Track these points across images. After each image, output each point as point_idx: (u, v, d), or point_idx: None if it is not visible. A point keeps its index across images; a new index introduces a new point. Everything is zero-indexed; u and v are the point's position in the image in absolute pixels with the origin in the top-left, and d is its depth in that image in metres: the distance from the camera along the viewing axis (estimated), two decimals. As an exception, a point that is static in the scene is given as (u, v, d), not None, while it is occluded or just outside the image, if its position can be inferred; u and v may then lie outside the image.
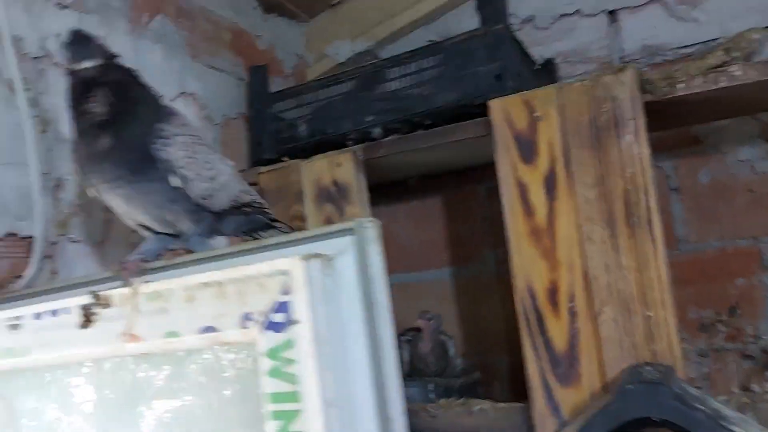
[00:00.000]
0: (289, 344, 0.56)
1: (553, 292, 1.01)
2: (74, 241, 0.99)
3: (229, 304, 0.60)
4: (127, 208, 0.80)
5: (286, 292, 0.57)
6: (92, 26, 1.07)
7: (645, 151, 0.97)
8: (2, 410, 0.83)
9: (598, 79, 1.01)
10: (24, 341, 0.76)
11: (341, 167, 1.24)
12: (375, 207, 1.25)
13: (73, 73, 0.78)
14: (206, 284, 0.62)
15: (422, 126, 1.21)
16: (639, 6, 1.40)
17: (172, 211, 0.80)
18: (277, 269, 0.57)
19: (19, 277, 0.91)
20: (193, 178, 0.79)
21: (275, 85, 1.43)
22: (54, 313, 0.73)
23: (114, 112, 0.77)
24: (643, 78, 0.99)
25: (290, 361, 0.56)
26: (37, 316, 0.74)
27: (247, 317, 0.59)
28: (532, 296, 1.03)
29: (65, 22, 1.02)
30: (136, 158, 0.77)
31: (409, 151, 1.21)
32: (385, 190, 1.49)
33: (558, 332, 1.01)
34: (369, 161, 1.24)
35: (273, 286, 0.57)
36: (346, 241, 0.60)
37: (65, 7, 1.03)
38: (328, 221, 1.25)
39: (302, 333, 0.56)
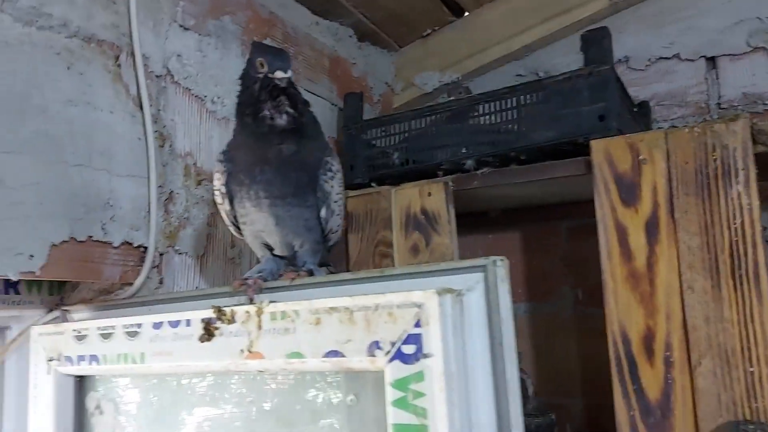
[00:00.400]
0: (419, 377, 0.57)
1: (648, 340, 0.99)
2: (180, 253, 1.03)
3: (357, 330, 0.61)
4: (272, 226, 0.82)
5: (418, 325, 0.58)
6: (210, 48, 1.11)
7: (755, 202, 0.95)
8: (110, 413, 0.86)
9: (708, 127, 0.99)
10: (140, 348, 0.79)
11: (432, 196, 1.25)
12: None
13: (265, 79, 0.81)
14: (334, 309, 0.63)
15: (516, 161, 1.21)
16: (741, 54, 1.37)
17: (305, 239, 0.83)
18: (411, 301, 0.58)
19: (128, 284, 0.95)
20: (338, 213, 0.84)
21: (365, 111, 1.46)
22: (174, 324, 0.76)
23: (294, 126, 0.81)
24: (755, 128, 0.98)
25: (419, 394, 0.57)
26: (157, 325, 0.77)
27: (375, 345, 0.60)
28: (626, 342, 1.01)
29: (186, 43, 1.07)
30: (302, 181, 0.81)
31: (502, 184, 1.21)
32: (465, 220, 1.49)
33: (652, 381, 0.98)
34: (458, 192, 1.25)
35: (405, 317, 0.58)
36: (477, 277, 0.61)
37: (187, 29, 1.08)
38: (415, 249, 1.26)
39: (434, 367, 0.56)
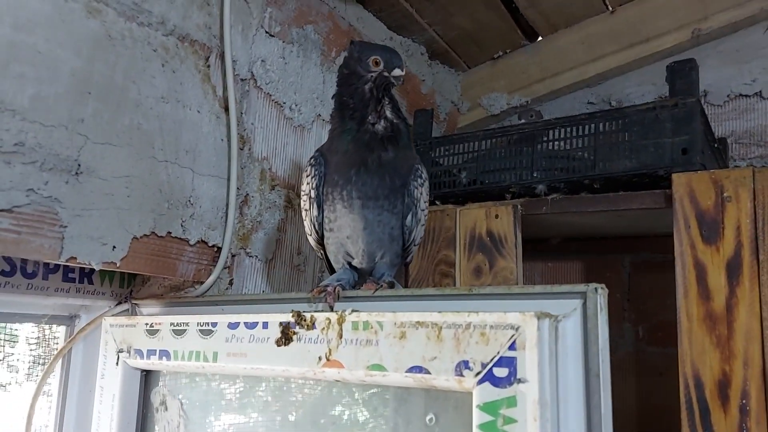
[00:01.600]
0: (511, 402, 0.55)
1: (724, 385, 0.95)
2: (250, 256, 1.03)
3: (444, 348, 0.60)
4: (360, 231, 0.81)
5: (513, 347, 0.56)
6: (292, 56, 1.13)
7: None
8: (174, 410, 0.86)
9: (801, 168, 0.95)
10: (214, 347, 0.78)
11: (499, 219, 1.23)
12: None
13: (380, 77, 0.82)
14: (421, 324, 0.62)
15: (588, 189, 1.18)
16: (827, 95, 1.33)
17: (387, 250, 0.82)
18: (507, 322, 0.57)
19: (199, 283, 0.95)
20: (422, 223, 0.84)
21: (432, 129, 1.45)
22: (250, 326, 0.75)
23: (392, 133, 0.81)
24: None
25: (510, 420, 0.55)
26: (233, 325, 0.77)
27: (464, 365, 0.58)
28: (699, 385, 0.97)
29: (270, 49, 1.09)
30: (395, 185, 0.81)
31: (572, 212, 1.19)
32: (525, 246, 1.47)
33: (725, 429, 0.94)
34: (525, 216, 1.23)
35: (499, 339, 0.57)
36: (574, 304, 0.59)
37: (272, 35, 1.09)
38: (478, 271, 1.24)
39: (528, 393, 0.54)
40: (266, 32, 1.08)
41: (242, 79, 1.03)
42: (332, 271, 0.90)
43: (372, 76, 0.82)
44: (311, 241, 0.90)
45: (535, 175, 1.23)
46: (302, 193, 0.87)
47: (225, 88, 0.98)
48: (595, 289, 0.58)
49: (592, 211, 1.17)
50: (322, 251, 0.89)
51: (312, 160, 0.86)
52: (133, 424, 0.88)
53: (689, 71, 1.11)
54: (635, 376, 1.44)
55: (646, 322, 1.45)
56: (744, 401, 0.94)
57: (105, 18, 0.81)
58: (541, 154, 1.24)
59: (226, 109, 0.98)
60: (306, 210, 0.87)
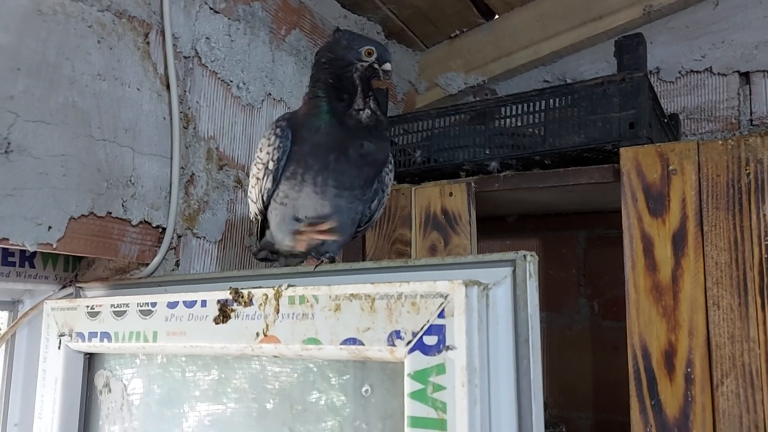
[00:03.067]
0: (440, 369, 0.55)
1: (670, 355, 0.97)
2: (198, 237, 1.01)
3: (378, 318, 0.60)
4: (325, 214, 0.80)
5: (442, 315, 0.56)
6: (239, 33, 1.11)
7: (788, 220, 0.93)
8: (118, 392, 0.84)
9: (742, 140, 0.97)
10: (153, 327, 0.77)
11: (453, 197, 1.23)
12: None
13: (370, 69, 0.82)
14: (355, 296, 0.61)
15: (540, 165, 1.19)
16: (776, 70, 1.35)
17: (346, 231, 0.83)
18: (436, 291, 0.56)
19: (144, 264, 0.94)
20: (384, 204, 0.85)
21: (388, 110, 1.45)
22: (189, 304, 0.74)
23: (375, 123, 0.81)
24: (792, 143, 0.95)
25: (439, 387, 0.55)
26: (172, 304, 0.76)
27: (396, 335, 0.58)
28: (647, 356, 0.98)
29: (215, 26, 1.07)
30: (369, 177, 0.82)
31: (524, 188, 1.19)
32: (482, 224, 1.48)
33: (671, 398, 0.96)
34: (479, 194, 1.23)
35: (429, 308, 0.57)
36: (505, 272, 0.59)
37: (217, 12, 1.07)
38: (433, 249, 1.24)
39: (456, 360, 0.54)
40: (211, 9, 1.06)
41: (185, 57, 1.01)
42: (263, 235, 0.90)
43: (363, 65, 0.81)
44: (252, 207, 0.87)
45: (487, 152, 1.23)
46: (258, 160, 0.84)
47: (166, 66, 0.96)
48: (524, 256, 0.58)
49: (543, 187, 1.18)
50: (260, 217, 0.87)
51: (278, 130, 0.82)
52: (76, 407, 0.86)
53: (636, 46, 1.12)
54: (591, 350, 1.47)
55: (601, 297, 1.47)
56: (689, 370, 0.95)
57: (34, -8, 0.78)
58: (494, 131, 1.24)
59: (168, 87, 0.96)
60: (257, 179, 0.83)
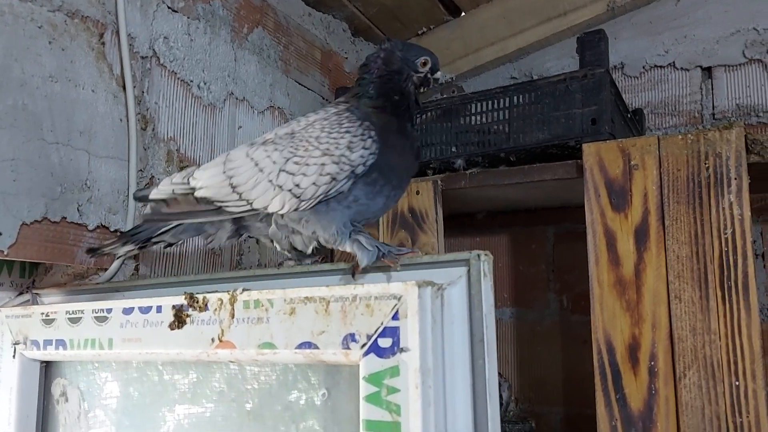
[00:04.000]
0: (394, 371, 0.54)
1: (634, 348, 0.98)
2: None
3: (332, 322, 0.59)
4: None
5: (396, 317, 0.55)
6: (198, 32, 1.09)
7: (746, 213, 0.94)
8: (75, 400, 0.83)
9: (701, 135, 0.98)
10: (109, 334, 0.76)
11: (420, 195, 1.23)
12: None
13: (425, 79, 0.82)
14: (310, 299, 0.61)
15: (506, 162, 1.19)
16: (737, 65, 1.36)
17: None
18: (389, 293, 0.56)
19: (103, 270, 0.92)
20: None
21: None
22: (144, 310, 0.73)
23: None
24: (750, 138, 0.96)
25: (393, 390, 0.54)
26: (127, 311, 0.74)
27: (351, 338, 0.57)
28: (611, 350, 0.99)
29: (174, 26, 1.05)
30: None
31: (490, 185, 1.19)
32: (452, 222, 1.48)
33: (635, 391, 0.97)
34: (447, 191, 1.23)
35: (383, 309, 0.56)
36: (459, 272, 0.59)
37: (176, 11, 1.05)
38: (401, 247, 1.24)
39: (410, 362, 0.54)
40: (169, 8, 1.04)
41: (143, 57, 0.99)
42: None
43: (419, 77, 0.82)
44: (290, 200, 0.73)
45: (454, 150, 1.23)
46: (340, 156, 0.73)
47: (122, 67, 0.94)
48: (478, 255, 0.58)
49: (508, 184, 1.18)
50: (290, 209, 0.75)
51: (372, 133, 0.75)
52: (33, 417, 0.84)
53: (598, 42, 1.13)
54: (561, 345, 1.47)
55: (570, 292, 1.48)
56: (652, 363, 0.96)
57: (-22, -8, 0.76)
58: (460, 128, 1.24)
59: (125, 88, 0.94)
60: (333, 178, 0.72)
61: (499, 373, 1.32)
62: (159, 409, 0.75)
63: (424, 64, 0.82)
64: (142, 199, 0.81)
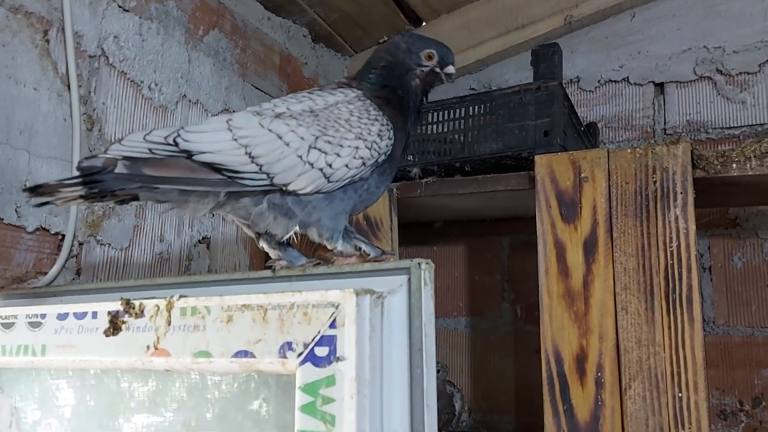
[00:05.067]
0: (330, 381, 0.53)
1: (581, 359, 0.98)
2: (102, 244, 0.97)
3: (269, 330, 0.58)
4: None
5: (333, 326, 0.54)
6: (151, 33, 1.07)
7: (691, 227, 0.95)
8: (5, 409, 0.79)
9: (650, 149, 0.99)
10: (42, 340, 0.73)
11: (375, 203, 1.22)
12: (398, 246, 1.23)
13: (432, 73, 0.80)
14: (247, 306, 0.59)
15: (461, 171, 1.19)
16: (688, 81, 1.40)
17: None
18: (327, 301, 0.55)
19: (43, 273, 0.89)
20: None
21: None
22: (79, 316, 0.71)
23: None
24: (696, 153, 0.98)
25: (329, 400, 0.53)
26: (62, 316, 0.72)
27: (288, 346, 0.56)
28: (559, 360, 1.00)
29: (124, 25, 1.03)
30: None
31: (445, 194, 1.20)
32: (410, 230, 1.47)
33: (582, 401, 0.97)
34: (402, 200, 1.23)
35: (320, 318, 0.55)
36: (400, 280, 0.58)
37: (127, 10, 1.03)
38: (354, 256, 1.23)
39: (346, 371, 0.53)
40: (120, 7, 1.02)
41: (91, 56, 0.97)
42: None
43: (422, 71, 0.79)
44: (316, 183, 0.70)
45: (410, 158, 1.23)
46: (372, 143, 0.73)
47: (67, 65, 0.91)
48: (419, 264, 0.58)
49: (463, 194, 1.18)
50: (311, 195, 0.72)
51: (387, 122, 0.75)
52: (-39, 427, 0.81)
53: (552, 55, 1.14)
54: (514, 354, 1.48)
55: (524, 302, 1.49)
56: (599, 374, 0.97)
57: None
58: (416, 137, 1.24)
59: (69, 87, 0.91)
60: (363, 163, 0.72)
61: (452, 383, 1.32)
62: (93, 418, 0.73)
63: (429, 57, 0.79)
64: (89, 168, 0.66)
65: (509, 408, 1.45)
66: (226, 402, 0.65)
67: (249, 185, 0.68)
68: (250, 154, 0.68)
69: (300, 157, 0.69)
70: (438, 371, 1.27)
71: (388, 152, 0.74)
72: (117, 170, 0.66)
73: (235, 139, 0.68)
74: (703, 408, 0.90)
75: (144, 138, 0.68)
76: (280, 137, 0.69)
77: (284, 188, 0.69)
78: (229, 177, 0.67)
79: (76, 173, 0.78)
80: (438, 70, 0.80)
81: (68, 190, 0.67)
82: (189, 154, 0.67)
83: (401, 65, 0.79)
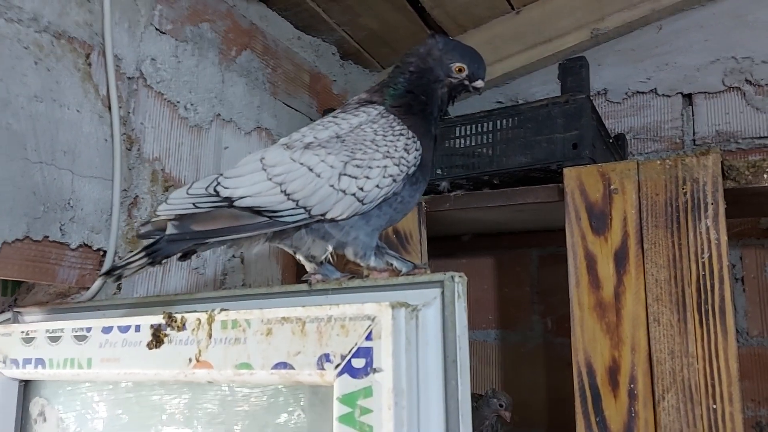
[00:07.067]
0: (367, 392, 0.55)
1: (613, 371, 0.98)
2: (141, 259, 1.00)
3: (308, 342, 0.59)
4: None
5: (369, 338, 0.56)
6: (186, 54, 1.10)
7: (723, 238, 0.95)
8: (52, 420, 0.82)
9: (679, 160, 0.99)
10: (88, 353, 0.76)
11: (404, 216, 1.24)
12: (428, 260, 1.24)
13: (460, 86, 0.80)
14: (286, 319, 0.61)
15: (489, 185, 1.21)
16: (717, 92, 1.39)
17: None
18: (364, 313, 0.57)
19: (85, 288, 0.92)
20: None
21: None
22: (123, 329, 0.73)
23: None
24: (726, 164, 0.98)
25: (366, 410, 0.55)
26: (106, 330, 0.75)
27: (325, 358, 0.58)
28: (591, 372, 1.00)
29: (161, 48, 1.06)
30: None
31: (474, 208, 1.21)
32: (438, 244, 1.49)
33: (615, 413, 0.97)
34: (431, 213, 1.24)
35: (357, 330, 0.57)
36: (434, 293, 0.59)
37: (163, 33, 1.07)
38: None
39: (383, 382, 0.54)
40: (157, 30, 1.06)
41: (129, 78, 1.00)
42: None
43: (451, 81, 0.80)
44: (352, 207, 0.72)
45: (438, 172, 1.24)
46: (399, 158, 0.74)
47: (108, 87, 0.95)
48: (452, 277, 0.59)
49: (492, 206, 1.19)
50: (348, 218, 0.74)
51: (412, 134, 0.76)
52: (9, 437, 0.84)
53: (579, 69, 1.15)
54: (545, 367, 1.48)
55: (554, 314, 1.49)
56: (632, 385, 0.97)
57: (-34, 13, 0.77)
58: (445, 151, 1.25)
59: (110, 109, 0.95)
60: (393, 179, 0.73)
61: (496, 390, 1.31)
62: (141, 429, 0.75)
63: (460, 70, 0.79)
64: (147, 235, 0.73)
65: (541, 421, 1.45)
66: (252, 416, 0.67)
67: (289, 221, 0.70)
68: (285, 191, 0.70)
69: (332, 186, 0.71)
70: (506, 408, 1.27)
71: (417, 163, 0.75)
72: (168, 232, 0.69)
73: (270, 179, 0.71)
74: (738, 420, 0.89)
75: (187, 192, 0.72)
76: (311, 169, 0.71)
77: (323, 218, 0.71)
78: (270, 217, 0.70)
79: (119, 194, 0.82)
80: (467, 83, 0.80)
81: (135, 264, 0.72)
82: (230, 201, 0.70)
83: (430, 73, 0.79)
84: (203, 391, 0.71)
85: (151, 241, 0.71)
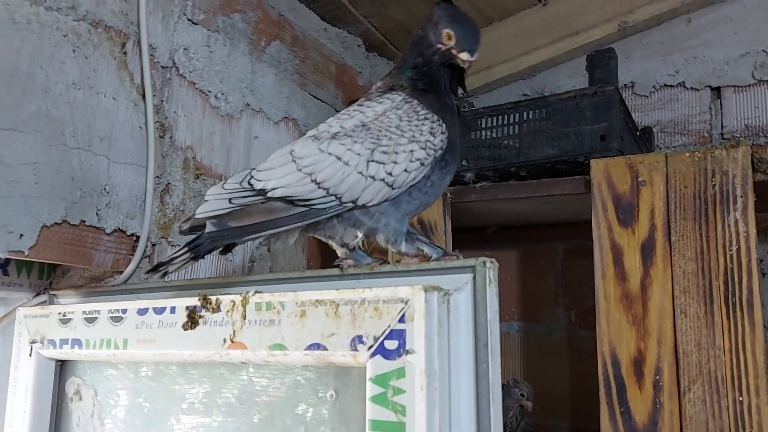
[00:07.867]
0: (400, 373, 0.56)
1: (639, 362, 0.98)
2: (173, 245, 1.02)
3: (341, 324, 0.61)
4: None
5: (402, 320, 0.57)
6: (218, 44, 1.12)
7: (752, 230, 0.95)
8: (88, 399, 0.85)
9: (708, 152, 0.99)
10: (124, 334, 0.78)
11: (429, 207, 1.25)
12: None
13: (446, 54, 0.75)
14: (320, 302, 0.62)
15: (515, 176, 1.21)
16: (746, 86, 1.38)
17: None
18: (397, 296, 0.58)
19: (119, 272, 0.94)
20: None
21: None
22: (159, 311, 0.75)
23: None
24: (756, 157, 0.97)
25: (399, 391, 0.56)
26: (142, 311, 0.77)
27: (358, 340, 0.59)
28: (616, 363, 1.00)
29: (194, 37, 1.08)
30: None
31: (500, 199, 1.21)
32: (463, 235, 1.49)
33: (640, 404, 0.97)
34: (456, 204, 1.25)
35: (390, 313, 0.58)
36: (465, 278, 0.60)
37: (196, 23, 1.09)
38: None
39: (416, 364, 0.55)
40: (189, 20, 1.08)
41: (163, 67, 1.02)
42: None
43: (439, 49, 0.75)
44: (382, 193, 0.72)
45: (464, 163, 1.25)
46: (426, 143, 0.73)
47: (143, 76, 0.97)
48: (484, 262, 0.60)
49: (518, 198, 1.20)
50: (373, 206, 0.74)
51: (437, 118, 0.74)
52: (47, 415, 0.86)
53: (608, 61, 1.15)
54: (569, 359, 1.48)
55: (578, 307, 1.49)
56: (657, 377, 0.97)
57: (8, 1, 0.79)
58: (471, 143, 1.26)
59: (144, 97, 0.97)
60: (421, 163, 0.73)
61: (517, 380, 1.31)
62: (169, 413, 0.77)
63: (449, 37, 0.74)
64: (190, 230, 0.77)
65: (564, 413, 1.45)
66: (273, 405, 0.68)
67: (322, 210, 0.71)
68: (315, 180, 0.71)
69: (360, 173, 0.71)
70: (528, 398, 1.27)
71: (444, 147, 0.75)
72: (207, 230, 0.71)
73: (300, 170, 0.72)
74: (764, 412, 0.89)
75: (223, 187, 0.73)
76: (339, 158, 0.72)
77: (353, 204, 0.72)
78: (302, 206, 0.71)
79: (153, 181, 0.83)
80: (454, 52, 0.75)
81: (179, 260, 0.74)
82: (263, 193, 0.71)
83: (426, 40, 0.76)
84: (199, 376, 0.72)
85: (193, 237, 0.74)
